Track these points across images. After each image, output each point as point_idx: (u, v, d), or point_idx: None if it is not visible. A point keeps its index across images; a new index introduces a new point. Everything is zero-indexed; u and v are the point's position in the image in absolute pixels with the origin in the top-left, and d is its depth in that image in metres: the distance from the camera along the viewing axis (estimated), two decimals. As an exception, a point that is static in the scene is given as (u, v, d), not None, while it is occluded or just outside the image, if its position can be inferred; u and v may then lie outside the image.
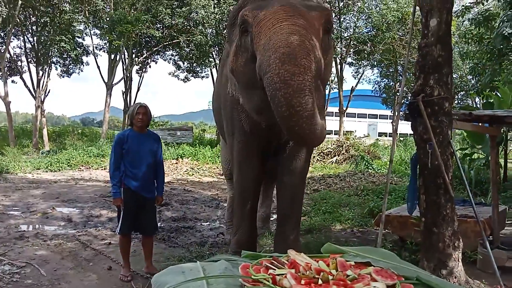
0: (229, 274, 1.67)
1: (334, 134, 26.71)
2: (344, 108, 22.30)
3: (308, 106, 2.34)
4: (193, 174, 11.61)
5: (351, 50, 20.89)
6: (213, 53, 19.34)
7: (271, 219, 5.45)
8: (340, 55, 19.99)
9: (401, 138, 19.40)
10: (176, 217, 6.12)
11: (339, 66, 21.60)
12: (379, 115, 47.23)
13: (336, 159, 14.69)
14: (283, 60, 2.35)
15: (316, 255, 1.89)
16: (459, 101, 24.55)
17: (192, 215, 6.30)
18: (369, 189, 8.46)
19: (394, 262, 1.88)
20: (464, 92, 22.38)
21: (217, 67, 17.62)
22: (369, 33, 19.49)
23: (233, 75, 3.11)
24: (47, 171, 11.10)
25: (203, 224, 5.84)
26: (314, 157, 15.20)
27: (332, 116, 35.20)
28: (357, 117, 46.75)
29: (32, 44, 18.53)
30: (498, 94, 8.71)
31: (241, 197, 3.77)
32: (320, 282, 1.50)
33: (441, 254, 3.31)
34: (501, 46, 8.44)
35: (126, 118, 4.41)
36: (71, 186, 8.70)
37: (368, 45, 19.66)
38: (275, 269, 1.67)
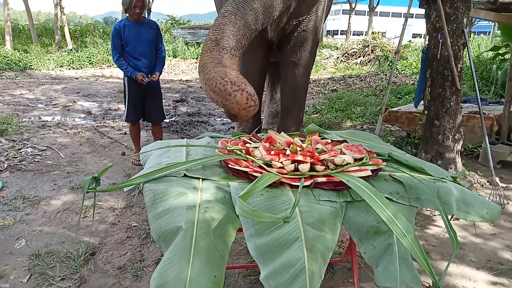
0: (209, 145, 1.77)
1: (364, 35, 25.29)
2: (374, 6, 20.75)
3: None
4: (212, 73, 11.56)
5: None
6: None
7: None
8: None
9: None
10: (191, 112, 6.28)
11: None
12: (415, 14, 43.76)
13: (361, 60, 14.12)
14: None
15: (294, 133, 1.95)
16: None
17: (206, 111, 6.44)
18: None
19: (373, 143, 1.93)
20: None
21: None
22: None
23: None
24: (69, 69, 11.32)
25: (216, 119, 5.99)
26: (338, 58, 14.67)
27: (364, 15, 32.95)
28: (391, 16, 43.63)
29: None
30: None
31: None
32: (288, 153, 1.57)
33: (440, 145, 3.33)
34: None
35: (122, 6, 4.12)
36: (92, 82, 8.91)
37: None
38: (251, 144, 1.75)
